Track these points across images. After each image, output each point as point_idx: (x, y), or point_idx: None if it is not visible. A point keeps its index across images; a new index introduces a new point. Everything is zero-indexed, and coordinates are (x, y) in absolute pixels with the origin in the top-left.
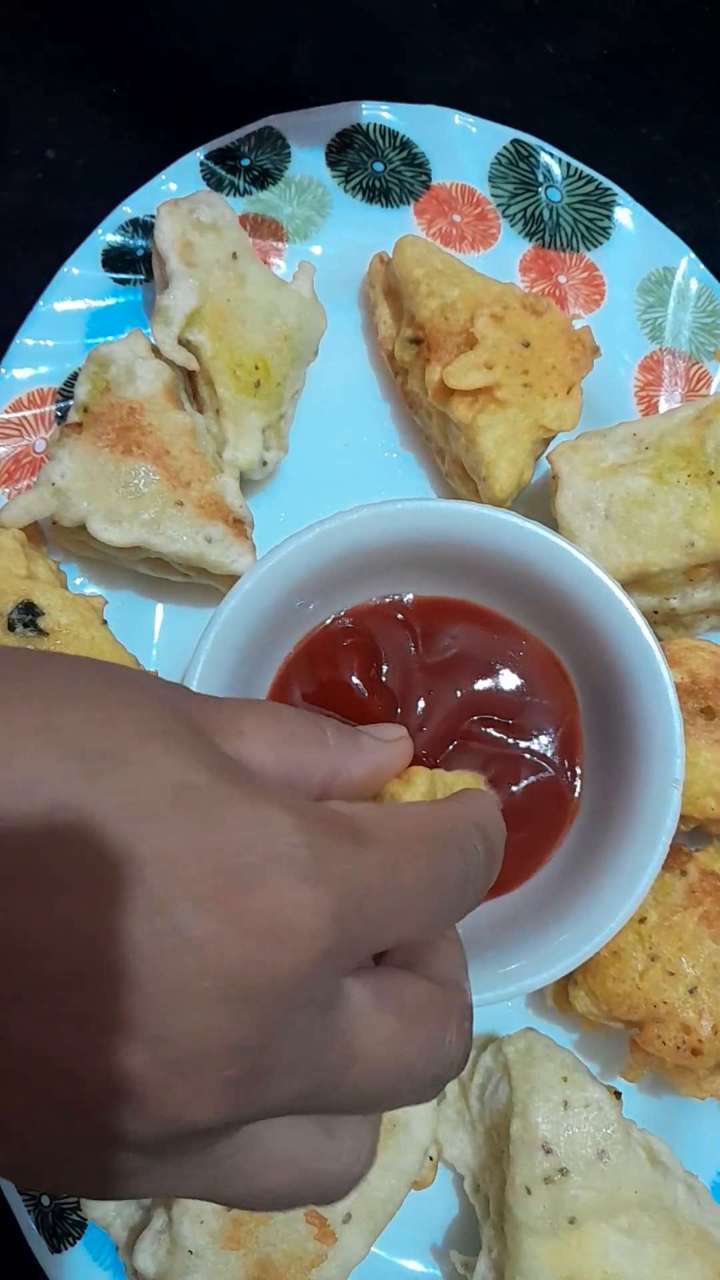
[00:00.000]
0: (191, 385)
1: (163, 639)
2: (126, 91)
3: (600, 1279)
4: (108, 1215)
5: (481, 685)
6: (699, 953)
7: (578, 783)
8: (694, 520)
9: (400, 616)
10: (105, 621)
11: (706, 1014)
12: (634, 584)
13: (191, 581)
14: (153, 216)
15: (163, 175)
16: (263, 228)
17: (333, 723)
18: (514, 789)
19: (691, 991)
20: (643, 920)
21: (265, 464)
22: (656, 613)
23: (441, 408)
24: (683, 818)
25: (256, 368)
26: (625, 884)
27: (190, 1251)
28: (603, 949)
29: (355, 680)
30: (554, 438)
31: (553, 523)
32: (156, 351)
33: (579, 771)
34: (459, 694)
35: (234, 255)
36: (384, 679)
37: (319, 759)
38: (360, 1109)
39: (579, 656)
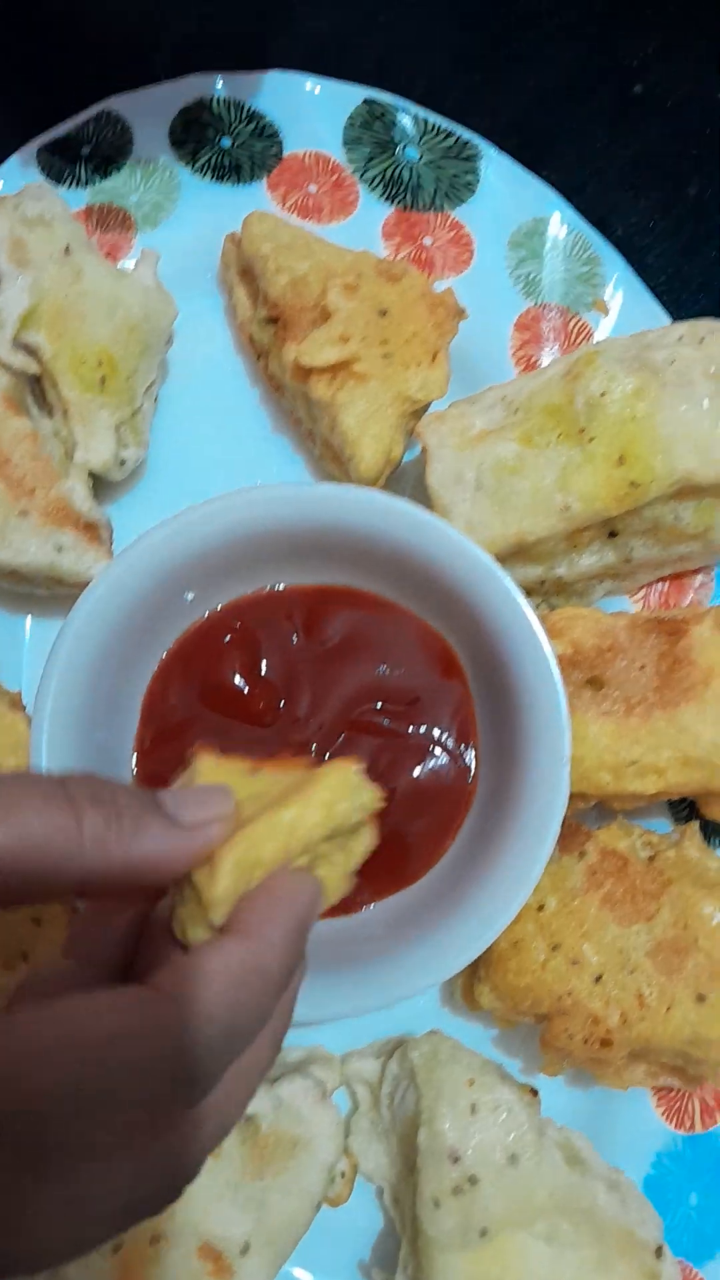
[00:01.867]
0: (39, 390)
1: (33, 654)
2: None
3: None
4: None
5: (370, 672)
6: (602, 938)
7: (474, 767)
8: (568, 482)
9: (281, 607)
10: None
11: (614, 1003)
12: (515, 555)
13: (54, 594)
14: None
15: None
16: (110, 218)
17: (108, 807)
18: (410, 778)
19: (597, 980)
20: (541, 908)
21: (124, 462)
22: (543, 583)
23: (302, 388)
24: (580, 796)
25: (101, 363)
26: (520, 870)
27: None
28: (503, 941)
29: (237, 677)
30: (425, 409)
31: (430, 502)
32: None
33: (475, 755)
34: (347, 683)
35: (67, 249)
36: (265, 673)
37: (69, 858)
38: None
39: (464, 636)
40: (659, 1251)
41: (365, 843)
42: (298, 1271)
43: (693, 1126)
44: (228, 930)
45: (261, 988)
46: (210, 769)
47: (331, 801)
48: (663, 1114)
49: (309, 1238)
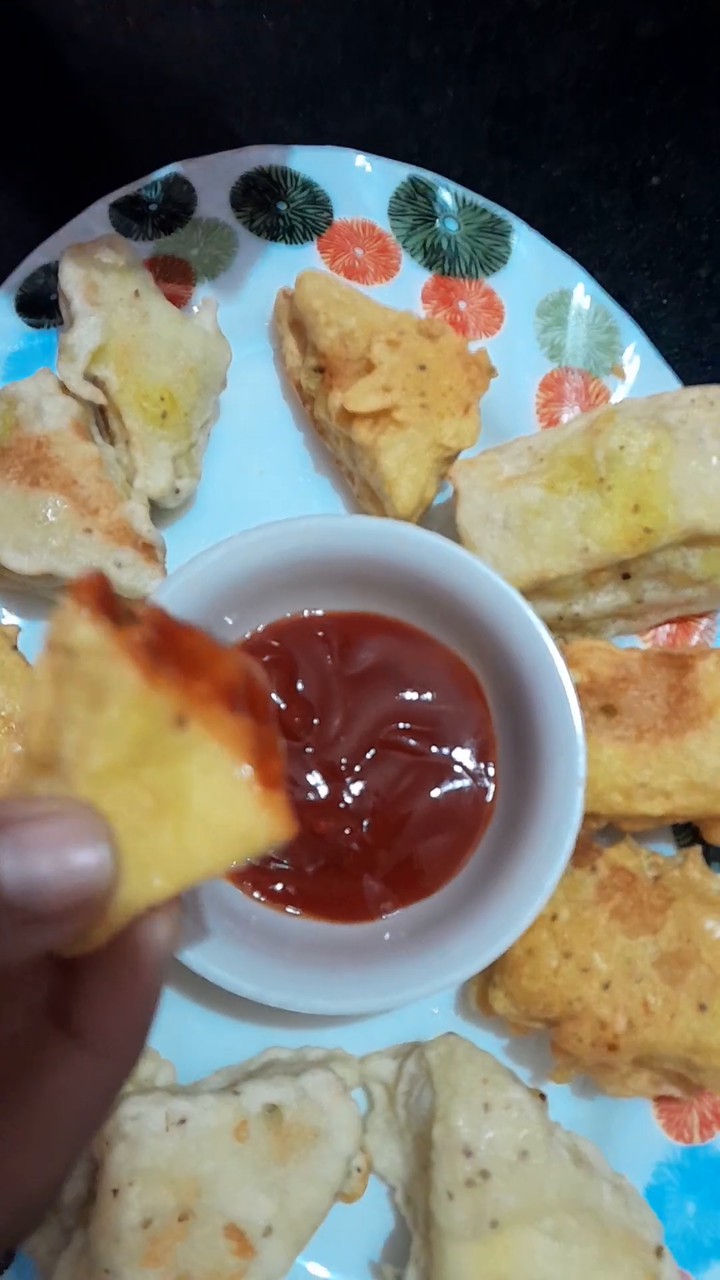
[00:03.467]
0: (103, 419)
1: None
2: (34, 144)
3: None
4: (32, 1240)
5: (398, 695)
6: (611, 948)
7: (492, 787)
8: (587, 526)
9: (317, 631)
10: (16, 648)
11: (621, 1009)
12: (536, 591)
13: None
14: None
15: (73, 223)
16: (172, 269)
17: None
18: (433, 795)
19: (605, 987)
20: (554, 918)
21: (178, 491)
22: (561, 619)
23: (345, 431)
24: (592, 815)
25: (163, 399)
26: (534, 881)
27: (107, 1271)
28: (517, 948)
29: (275, 695)
30: (456, 456)
31: (460, 539)
32: (64, 388)
33: (494, 776)
34: (377, 704)
35: (136, 294)
36: (301, 691)
37: None
38: None
39: (486, 663)
40: (659, 1252)
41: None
42: (311, 1266)
43: (691, 1138)
44: (87, 1044)
45: (106, 1107)
46: (131, 695)
47: (239, 845)
48: (663, 1125)
49: (323, 1233)
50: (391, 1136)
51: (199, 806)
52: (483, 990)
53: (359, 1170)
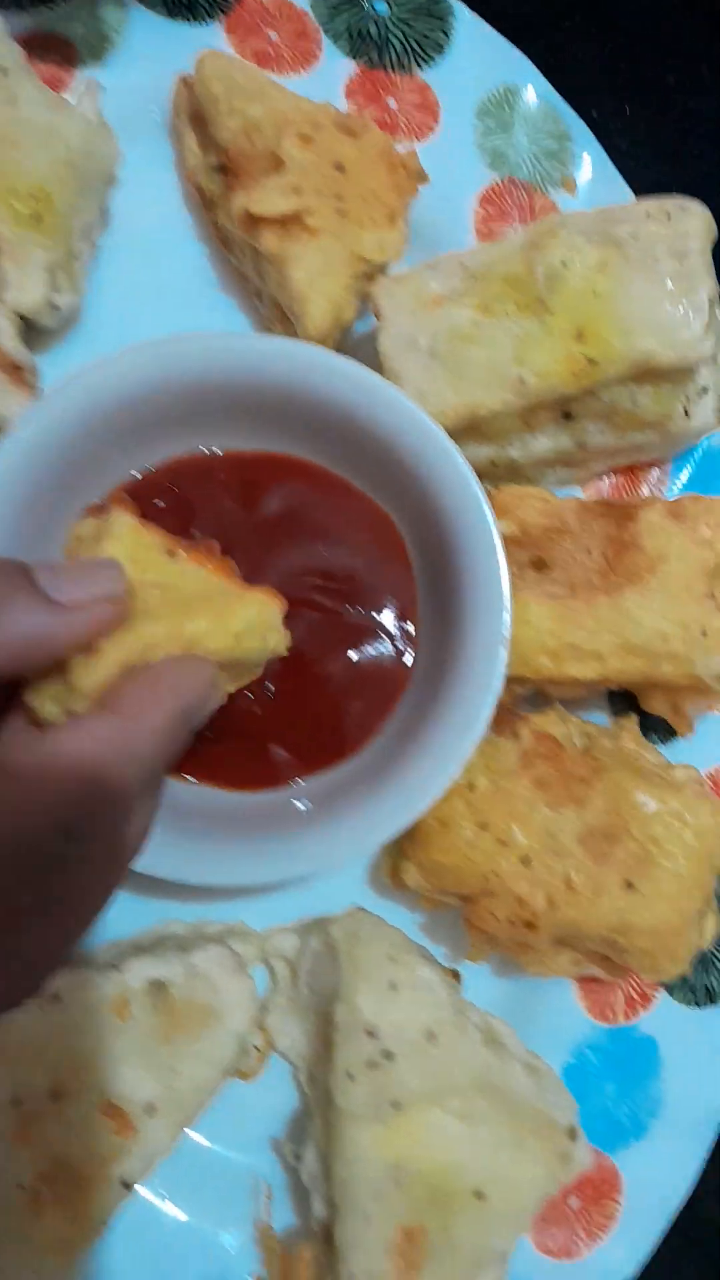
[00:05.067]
0: None
1: None
2: None
3: (429, 1164)
4: None
5: (310, 547)
6: (532, 820)
7: (410, 648)
8: (524, 355)
9: (218, 473)
10: None
11: (540, 885)
12: (468, 432)
13: None
14: None
15: None
16: (50, 49)
17: None
18: (347, 657)
19: (524, 862)
20: (472, 787)
21: (56, 308)
22: (495, 464)
23: (250, 240)
24: (518, 679)
25: (35, 198)
26: (450, 747)
27: None
28: (430, 819)
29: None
30: (379, 272)
31: (380, 368)
32: None
33: (413, 635)
34: (286, 557)
35: (3, 71)
36: (198, 540)
37: None
38: None
39: (409, 511)
40: (572, 1133)
41: (253, 678)
42: (208, 1143)
43: (615, 1019)
44: (101, 707)
45: (128, 774)
46: (126, 533)
47: (243, 634)
48: (586, 1007)
49: (222, 1113)
50: (294, 1014)
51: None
52: (394, 862)
53: (257, 1049)
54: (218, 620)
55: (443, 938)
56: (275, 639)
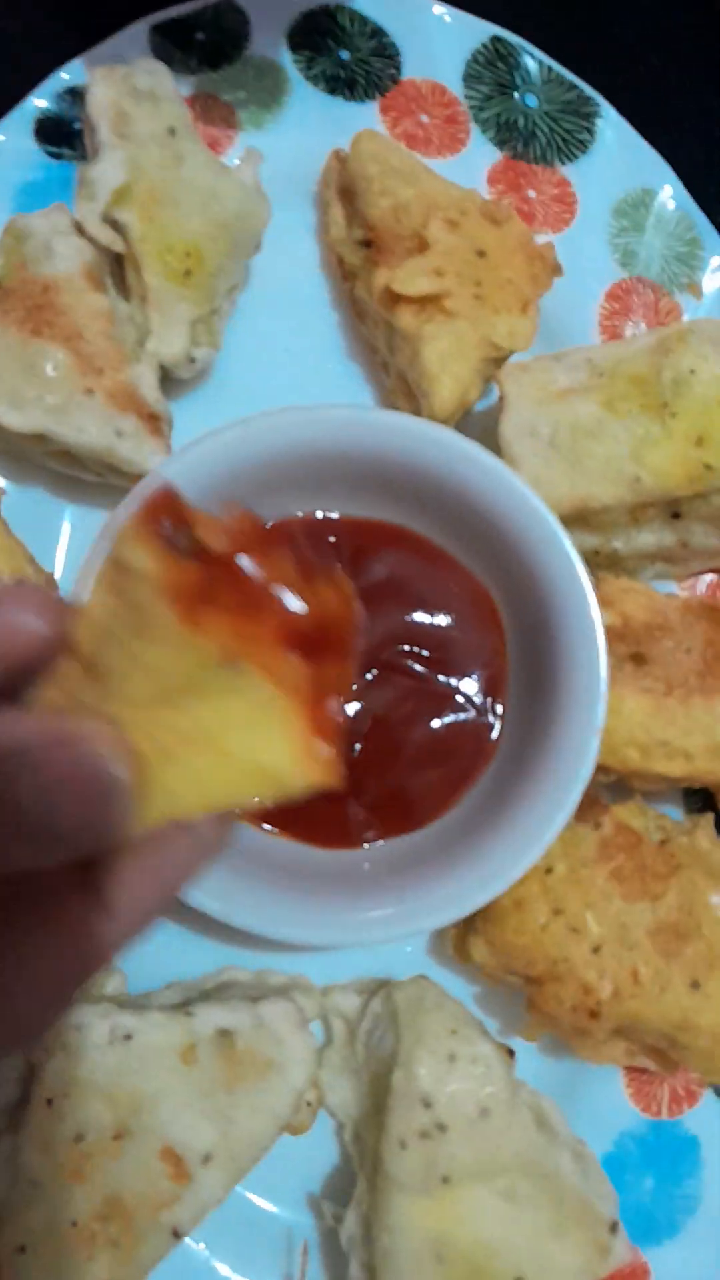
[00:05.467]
0: (119, 270)
1: (72, 541)
2: None
3: (470, 1242)
4: None
5: (408, 615)
6: (606, 910)
7: (498, 724)
8: (642, 454)
9: (329, 535)
10: None
11: (608, 975)
12: (576, 521)
13: (105, 482)
14: None
15: (108, 41)
16: (213, 112)
17: None
18: (433, 725)
19: (595, 950)
20: (549, 871)
21: (194, 360)
22: (598, 554)
23: (387, 315)
24: (604, 768)
25: (189, 255)
26: (534, 830)
27: (32, 1182)
28: (505, 898)
29: None
30: (507, 358)
31: (499, 451)
32: (80, 229)
33: (500, 712)
34: (384, 622)
35: (171, 131)
36: None
37: None
38: None
39: (510, 591)
40: (613, 1227)
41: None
42: (249, 1194)
43: (659, 1112)
44: (105, 904)
45: (112, 953)
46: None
47: (277, 780)
48: (631, 1096)
49: (264, 1164)
50: (347, 1073)
51: (236, 742)
52: (461, 935)
53: (309, 1104)
54: (246, 762)
55: (496, 1012)
56: (313, 778)
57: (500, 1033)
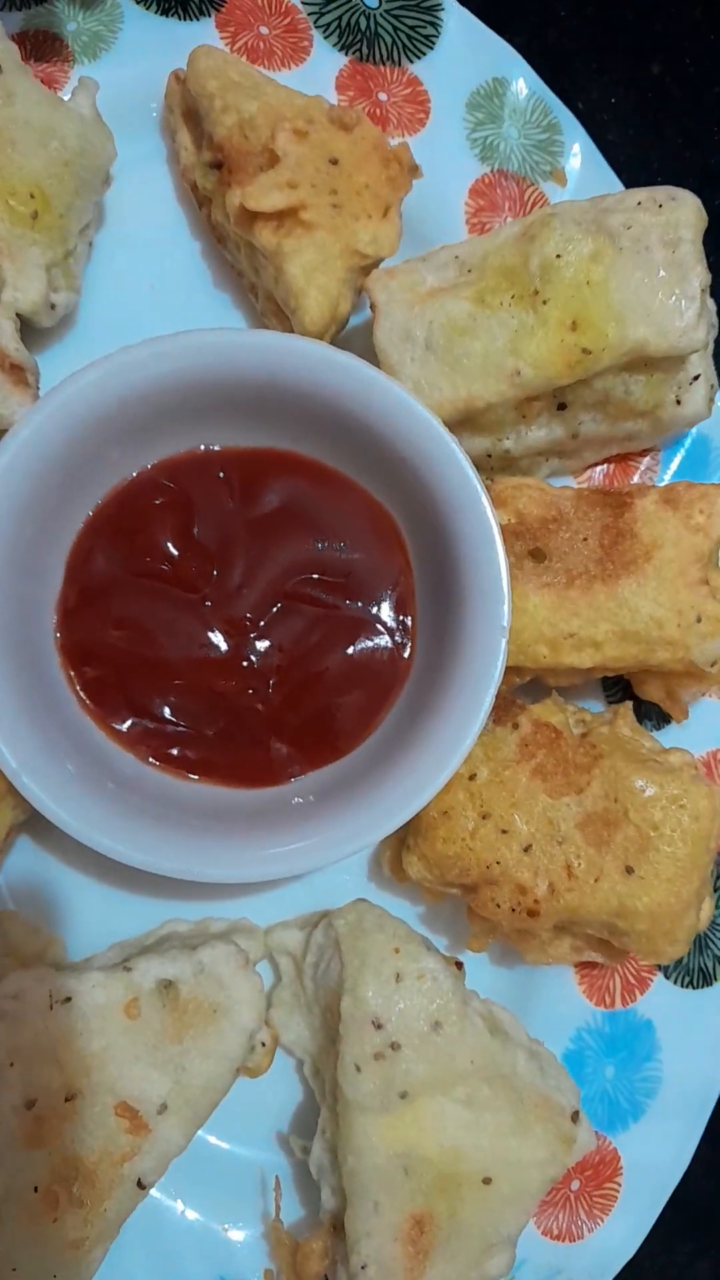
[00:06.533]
0: None
1: None
2: None
3: (436, 1152)
4: None
5: (309, 543)
6: (532, 809)
7: (409, 641)
8: (519, 346)
9: (217, 469)
10: None
11: (542, 873)
12: (463, 424)
13: None
14: None
15: None
16: (44, 47)
17: None
18: (346, 652)
19: (526, 850)
20: (472, 777)
21: (54, 306)
22: (490, 456)
23: (246, 236)
24: (516, 669)
25: (33, 196)
26: (451, 739)
27: None
28: (432, 810)
29: (167, 541)
30: (374, 265)
31: (377, 361)
32: None
33: (411, 628)
34: (284, 552)
35: None
36: (199, 537)
37: None
38: None
39: (407, 504)
40: (575, 1116)
41: None
42: (214, 1139)
43: (613, 1003)
44: None
45: None
46: None
47: None
48: (584, 991)
49: (227, 1109)
50: (299, 1009)
51: None
52: (396, 855)
53: (264, 1044)
54: None
55: (443, 929)
56: None
57: (449, 948)
